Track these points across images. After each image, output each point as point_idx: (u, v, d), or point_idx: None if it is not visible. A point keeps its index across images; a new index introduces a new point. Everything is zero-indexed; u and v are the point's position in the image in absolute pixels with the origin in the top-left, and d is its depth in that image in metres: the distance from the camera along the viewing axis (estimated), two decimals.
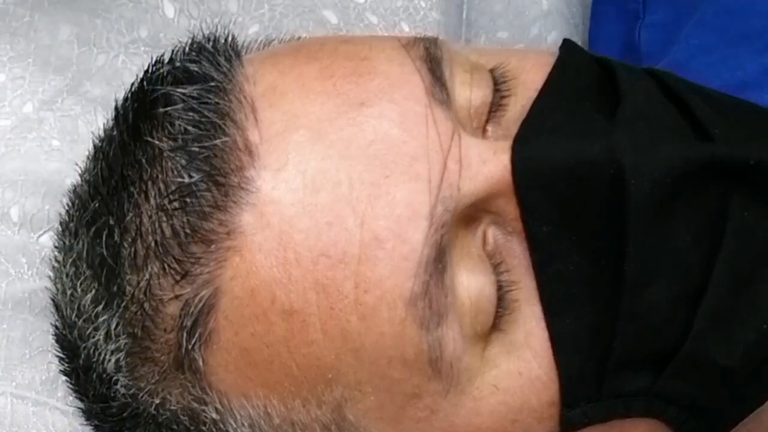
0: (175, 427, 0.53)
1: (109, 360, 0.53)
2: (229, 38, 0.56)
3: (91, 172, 0.56)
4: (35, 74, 0.66)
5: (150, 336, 0.51)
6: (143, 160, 0.52)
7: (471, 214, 0.51)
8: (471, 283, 0.50)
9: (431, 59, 0.53)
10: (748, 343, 0.51)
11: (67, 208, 0.58)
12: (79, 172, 0.59)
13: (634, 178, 0.49)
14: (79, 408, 0.59)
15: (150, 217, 0.51)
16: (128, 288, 0.51)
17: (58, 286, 0.57)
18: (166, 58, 0.56)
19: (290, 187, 0.50)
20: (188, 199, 0.50)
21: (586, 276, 0.50)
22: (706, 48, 0.70)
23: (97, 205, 0.53)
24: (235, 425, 0.52)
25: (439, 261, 0.49)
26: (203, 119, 0.51)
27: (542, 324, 0.51)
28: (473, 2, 0.75)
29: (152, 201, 0.51)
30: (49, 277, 0.60)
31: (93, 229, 0.53)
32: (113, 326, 0.52)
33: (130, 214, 0.51)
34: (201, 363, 0.51)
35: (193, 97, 0.52)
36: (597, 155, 0.49)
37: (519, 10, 0.76)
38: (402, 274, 0.49)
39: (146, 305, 0.51)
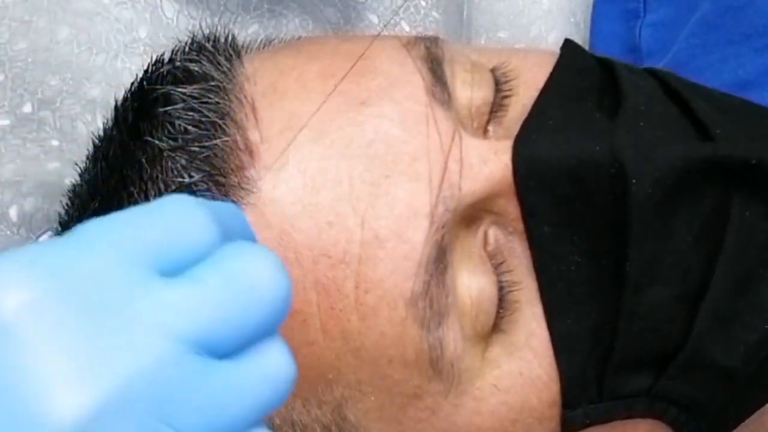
0: None
1: None
2: (230, 37, 0.56)
3: (91, 172, 0.56)
4: (34, 74, 0.66)
5: None
6: (143, 160, 0.52)
7: (472, 214, 0.51)
8: (472, 283, 0.50)
9: (432, 59, 0.53)
10: (749, 344, 0.51)
11: (66, 208, 0.58)
12: (79, 172, 0.59)
13: (635, 178, 0.49)
14: None
15: None
16: None
17: None
18: (166, 58, 0.56)
19: (290, 187, 0.49)
20: None
21: (587, 276, 0.50)
22: (706, 47, 0.70)
23: (96, 205, 0.53)
24: None
25: (439, 261, 0.49)
26: (203, 119, 0.51)
27: (543, 324, 0.50)
28: (473, 1, 0.75)
29: (152, 201, 0.51)
30: None
31: None
32: None
33: None
34: None
35: (193, 97, 0.52)
36: (598, 155, 0.49)
37: (519, 9, 0.76)
38: (402, 274, 0.49)
39: None
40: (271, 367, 0.34)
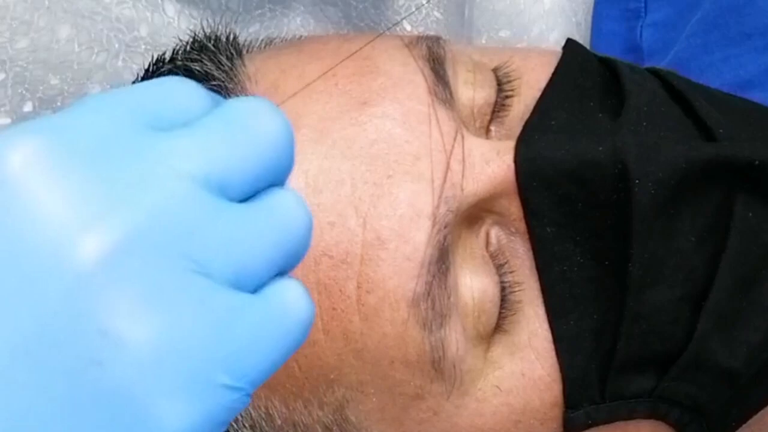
0: None
1: None
2: (231, 37, 0.56)
3: None
4: (35, 73, 0.65)
5: None
6: None
7: (474, 215, 0.51)
8: (474, 283, 0.50)
9: (434, 58, 0.52)
10: (752, 345, 0.51)
11: None
12: None
13: (638, 178, 0.48)
14: None
15: None
16: None
17: None
18: (167, 57, 0.56)
19: (292, 187, 0.49)
20: None
21: (589, 277, 0.50)
22: (707, 47, 0.70)
23: None
24: (236, 426, 0.52)
25: (442, 261, 0.49)
26: None
27: (545, 325, 0.50)
28: (475, 1, 0.74)
29: None
30: None
31: None
32: None
33: None
34: None
35: None
36: (601, 156, 0.49)
37: (521, 8, 0.75)
38: (404, 275, 0.49)
39: None
40: (286, 211, 0.34)
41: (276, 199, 0.34)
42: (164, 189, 0.31)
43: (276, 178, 0.34)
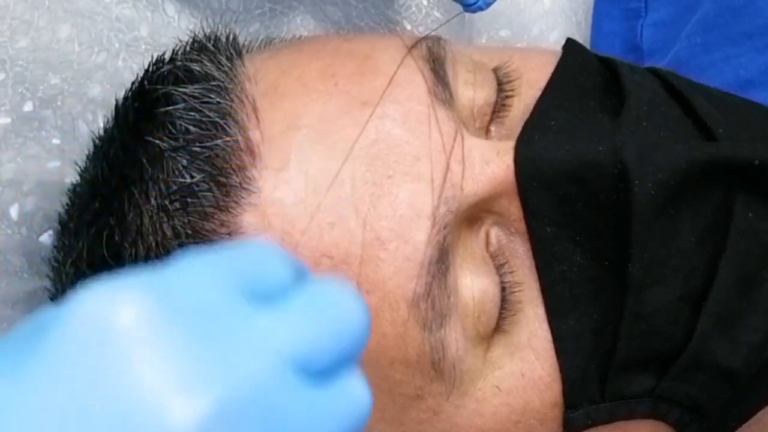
0: None
1: None
2: (231, 37, 0.56)
3: (91, 172, 0.56)
4: (36, 73, 0.65)
5: None
6: (144, 160, 0.51)
7: (474, 215, 0.51)
8: (474, 284, 0.50)
9: (434, 59, 0.52)
10: (752, 345, 0.51)
11: (66, 207, 0.58)
12: (79, 171, 0.59)
13: (638, 178, 0.48)
14: None
15: (151, 217, 0.51)
16: None
17: (58, 286, 0.57)
18: (167, 57, 0.56)
19: (292, 188, 0.49)
20: (189, 200, 0.50)
21: (589, 277, 0.50)
22: (708, 46, 0.70)
23: (97, 204, 0.53)
24: None
25: (441, 262, 0.49)
26: (204, 119, 0.51)
27: (545, 325, 0.50)
28: None
29: (153, 201, 0.51)
30: (49, 276, 0.59)
31: (93, 229, 0.53)
32: None
33: (131, 214, 0.51)
34: None
35: (194, 97, 0.51)
36: (601, 156, 0.49)
37: (521, 8, 0.75)
38: (404, 275, 0.49)
39: None
40: (356, 395, 0.35)
41: (349, 383, 0.35)
42: (256, 364, 0.33)
43: (350, 359, 0.36)
